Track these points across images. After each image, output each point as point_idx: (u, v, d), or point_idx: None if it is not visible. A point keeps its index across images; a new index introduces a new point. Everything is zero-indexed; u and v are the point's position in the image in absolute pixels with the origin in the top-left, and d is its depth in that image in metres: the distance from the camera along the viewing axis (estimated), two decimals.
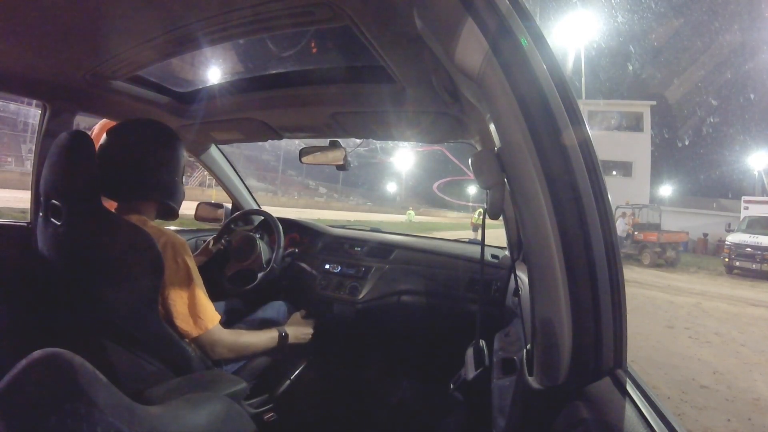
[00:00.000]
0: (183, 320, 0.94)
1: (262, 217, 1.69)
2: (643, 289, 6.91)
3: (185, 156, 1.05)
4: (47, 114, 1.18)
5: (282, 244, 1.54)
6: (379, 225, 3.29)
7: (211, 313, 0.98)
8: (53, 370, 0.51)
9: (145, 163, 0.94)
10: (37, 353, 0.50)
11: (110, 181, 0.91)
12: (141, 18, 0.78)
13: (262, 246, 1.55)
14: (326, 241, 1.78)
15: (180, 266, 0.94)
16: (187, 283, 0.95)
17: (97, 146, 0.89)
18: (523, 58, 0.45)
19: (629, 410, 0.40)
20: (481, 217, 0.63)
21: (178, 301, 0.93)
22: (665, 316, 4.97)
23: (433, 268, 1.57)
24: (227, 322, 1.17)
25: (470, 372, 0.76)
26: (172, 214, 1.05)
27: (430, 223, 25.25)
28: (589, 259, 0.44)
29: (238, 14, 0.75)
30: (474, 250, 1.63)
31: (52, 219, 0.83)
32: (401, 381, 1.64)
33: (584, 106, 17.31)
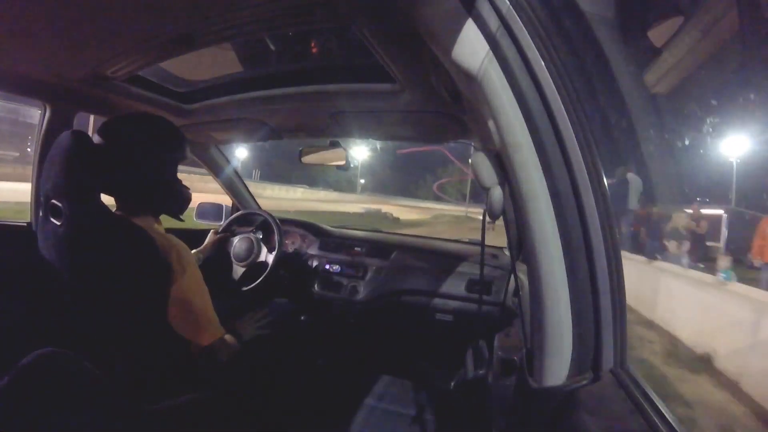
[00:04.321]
0: (193, 328, 0.92)
1: (262, 217, 1.69)
2: None
3: (189, 154, 1.02)
4: (47, 114, 1.18)
5: (282, 244, 1.54)
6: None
7: (217, 322, 0.97)
8: (53, 370, 0.51)
9: (142, 160, 0.91)
10: (37, 353, 0.50)
11: (107, 180, 0.89)
12: (141, 18, 0.78)
13: (262, 246, 1.55)
14: (326, 241, 1.78)
15: (188, 272, 0.91)
16: (196, 290, 0.93)
17: None
18: (524, 58, 0.45)
19: (630, 411, 0.40)
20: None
21: (187, 307, 0.91)
22: None
23: (433, 268, 1.57)
24: (228, 323, 1.16)
25: (470, 372, 0.76)
26: (174, 216, 1.02)
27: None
28: (589, 259, 0.44)
29: (238, 14, 0.76)
30: (474, 250, 1.63)
31: (53, 219, 0.83)
32: (401, 381, 1.64)
33: None
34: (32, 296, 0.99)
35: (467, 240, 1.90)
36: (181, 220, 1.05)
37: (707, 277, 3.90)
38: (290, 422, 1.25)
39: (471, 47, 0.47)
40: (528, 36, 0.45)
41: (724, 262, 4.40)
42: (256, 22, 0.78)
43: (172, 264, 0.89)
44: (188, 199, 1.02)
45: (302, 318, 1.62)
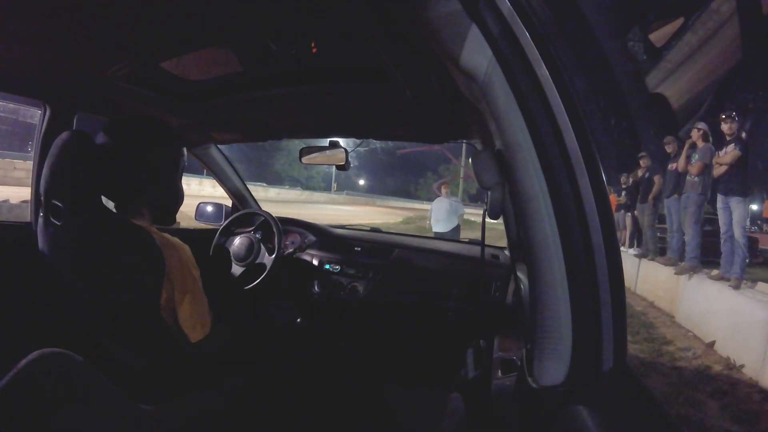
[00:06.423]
0: (187, 325, 0.91)
1: (262, 218, 1.69)
2: None
3: (184, 156, 1.01)
4: (47, 114, 1.18)
5: (282, 244, 1.54)
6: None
7: (208, 320, 0.97)
8: (53, 370, 0.51)
9: (137, 163, 0.90)
10: (37, 353, 0.50)
11: (107, 180, 0.88)
12: (141, 18, 0.78)
13: (262, 247, 1.55)
14: (326, 241, 1.78)
15: (186, 272, 0.91)
16: (193, 289, 0.93)
17: None
18: (525, 59, 0.45)
19: (629, 410, 0.40)
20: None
21: (183, 305, 0.91)
22: None
23: (433, 268, 1.57)
24: (228, 323, 1.16)
25: (470, 372, 0.76)
26: (168, 217, 1.01)
27: None
28: (589, 259, 0.44)
29: (238, 14, 0.76)
30: (474, 250, 1.63)
31: (53, 219, 0.83)
32: (400, 381, 1.64)
33: None
34: (32, 296, 0.99)
35: (467, 240, 1.90)
36: (171, 223, 1.03)
37: None
38: (289, 423, 1.25)
39: (474, 51, 0.47)
40: (529, 38, 0.46)
41: None
42: (256, 22, 0.78)
43: (173, 264, 0.89)
44: (179, 202, 1.01)
45: (298, 320, 1.62)
